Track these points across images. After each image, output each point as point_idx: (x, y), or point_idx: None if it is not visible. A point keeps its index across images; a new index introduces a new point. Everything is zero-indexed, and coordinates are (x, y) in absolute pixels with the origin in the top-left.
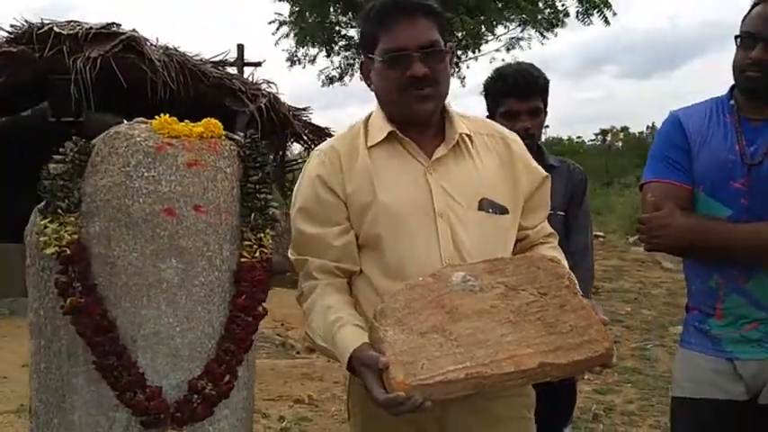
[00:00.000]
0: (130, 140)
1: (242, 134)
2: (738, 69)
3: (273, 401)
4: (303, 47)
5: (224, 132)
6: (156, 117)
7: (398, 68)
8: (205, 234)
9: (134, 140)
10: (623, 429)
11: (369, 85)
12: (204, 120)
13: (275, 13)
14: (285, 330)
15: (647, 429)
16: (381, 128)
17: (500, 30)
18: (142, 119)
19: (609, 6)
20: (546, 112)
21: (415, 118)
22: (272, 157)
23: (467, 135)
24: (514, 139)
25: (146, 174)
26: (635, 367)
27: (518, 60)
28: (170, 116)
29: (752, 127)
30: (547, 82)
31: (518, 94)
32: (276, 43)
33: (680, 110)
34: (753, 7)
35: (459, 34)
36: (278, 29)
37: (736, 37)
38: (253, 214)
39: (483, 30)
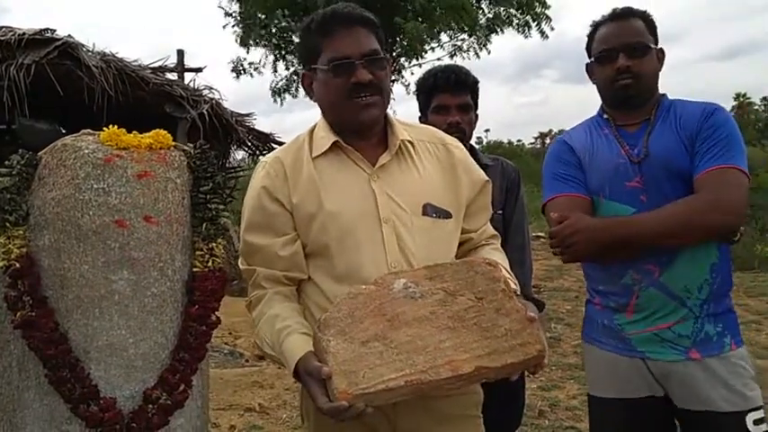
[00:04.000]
0: (78, 153)
1: (192, 144)
2: (609, 83)
3: (224, 411)
4: (246, 48)
5: (173, 143)
6: (105, 129)
7: (343, 76)
8: (156, 245)
9: (82, 153)
10: (568, 424)
11: (311, 97)
12: (153, 131)
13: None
14: (233, 339)
15: None
16: (325, 138)
17: (444, 38)
18: (89, 130)
19: (548, 19)
20: (476, 115)
21: (362, 125)
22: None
23: (408, 141)
24: (456, 145)
25: (95, 186)
26: (577, 363)
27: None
28: (110, 124)
29: (629, 133)
30: (476, 82)
31: (449, 89)
32: (224, 27)
33: (562, 134)
34: (595, 31)
35: (406, 41)
36: (225, 16)
37: (587, 65)
38: (204, 224)
39: (426, 37)
